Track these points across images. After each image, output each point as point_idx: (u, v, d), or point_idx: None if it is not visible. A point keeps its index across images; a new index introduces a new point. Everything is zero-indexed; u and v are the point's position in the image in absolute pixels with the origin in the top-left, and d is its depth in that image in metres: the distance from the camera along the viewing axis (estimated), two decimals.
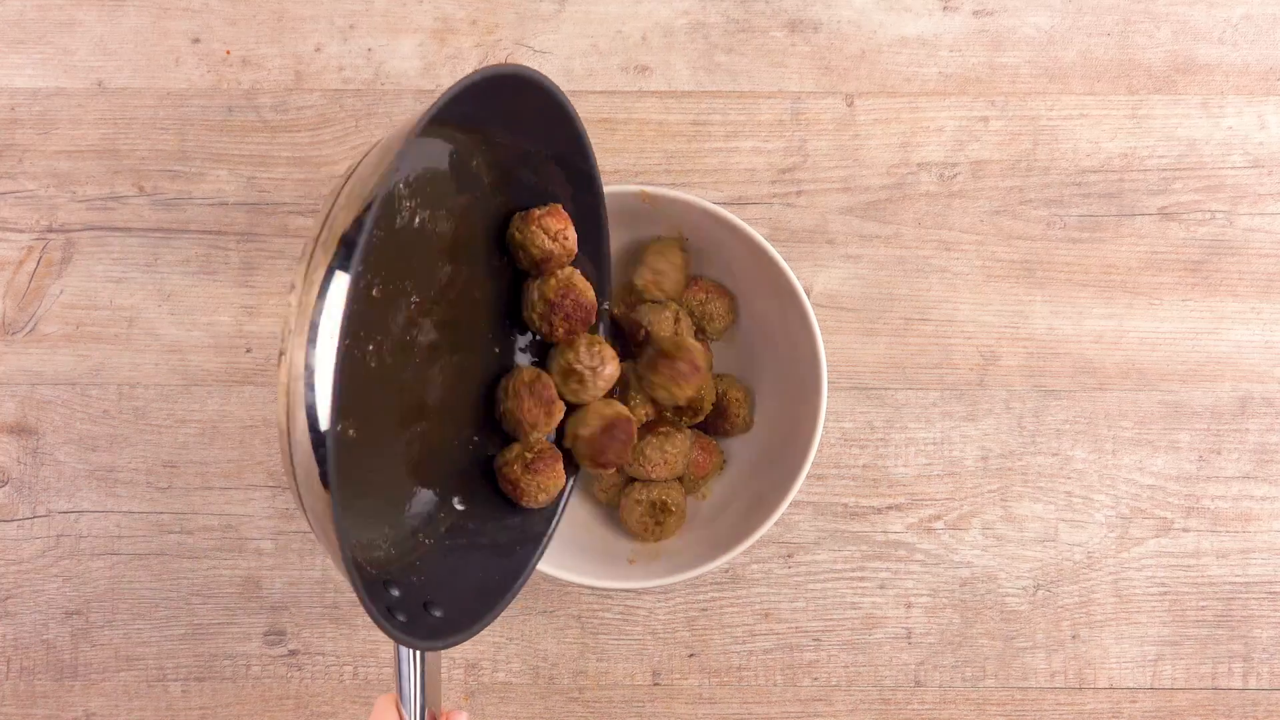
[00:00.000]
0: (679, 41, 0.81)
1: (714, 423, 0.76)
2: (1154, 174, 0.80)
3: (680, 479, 0.75)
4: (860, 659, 0.79)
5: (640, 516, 0.73)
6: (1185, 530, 0.80)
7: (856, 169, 0.80)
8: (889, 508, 0.80)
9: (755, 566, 0.80)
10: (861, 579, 0.80)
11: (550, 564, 0.69)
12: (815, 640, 0.79)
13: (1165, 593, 0.79)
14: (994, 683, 0.79)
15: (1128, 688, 0.79)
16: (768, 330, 0.75)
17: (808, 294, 0.80)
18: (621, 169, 0.80)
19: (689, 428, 0.75)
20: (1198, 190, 0.80)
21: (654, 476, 0.73)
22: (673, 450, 0.72)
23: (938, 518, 0.80)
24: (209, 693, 0.79)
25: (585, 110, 0.80)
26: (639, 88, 0.81)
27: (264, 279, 0.80)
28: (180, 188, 0.80)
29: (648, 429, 0.73)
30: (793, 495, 0.70)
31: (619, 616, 0.79)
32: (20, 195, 0.80)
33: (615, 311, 0.75)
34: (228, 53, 0.80)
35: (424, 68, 0.80)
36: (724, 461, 0.77)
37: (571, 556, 0.71)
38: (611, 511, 0.77)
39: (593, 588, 0.71)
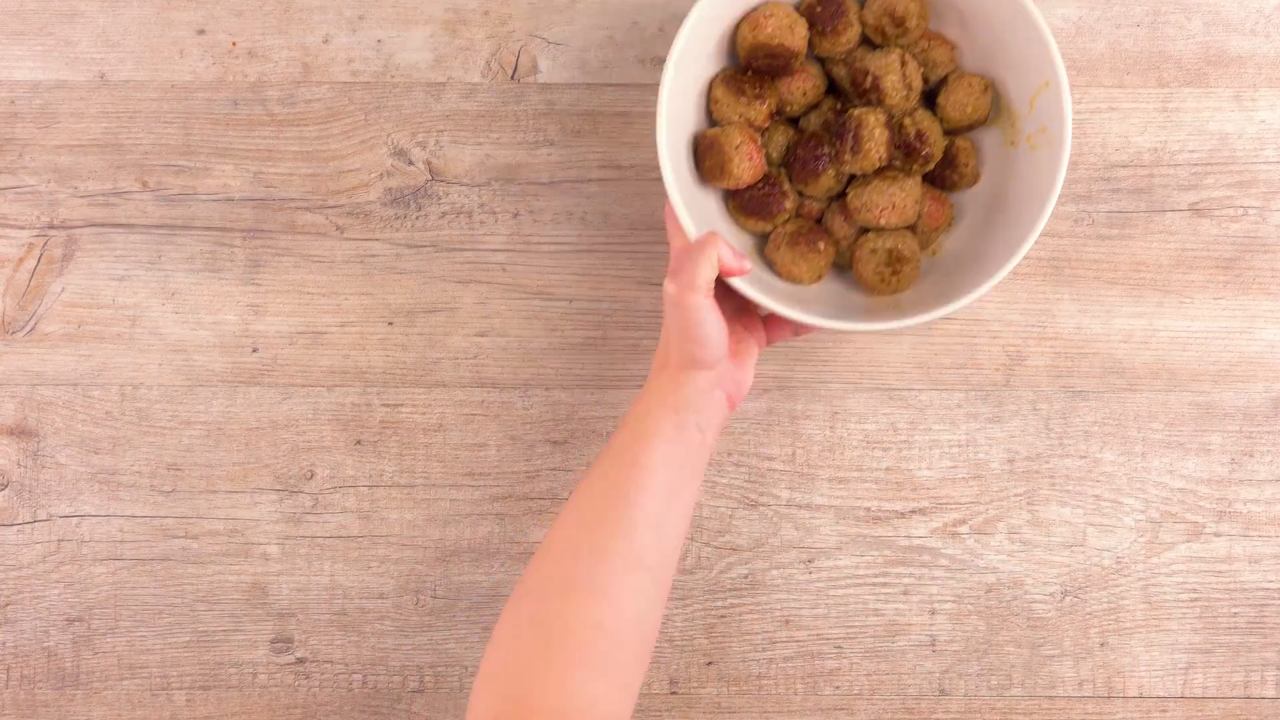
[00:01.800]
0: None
1: (942, 174, 0.74)
2: (1185, 169, 0.79)
3: (912, 229, 0.73)
4: (883, 667, 0.77)
5: (876, 267, 0.72)
6: (1217, 535, 0.78)
7: None
8: (912, 512, 0.78)
9: (775, 573, 0.78)
10: (884, 585, 0.78)
11: (785, 307, 0.67)
12: (837, 648, 0.78)
13: (1196, 599, 0.78)
14: (1020, 691, 0.77)
15: (1158, 696, 0.77)
16: (994, 73, 0.73)
17: None
18: (638, 164, 0.79)
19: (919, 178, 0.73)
20: (1230, 186, 0.78)
21: (883, 223, 0.71)
22: (900, 195, 0.71)
23: (962, 522, 0.78)
24: (214, 702, 0.77)
25: (600, 104, 0.79)
26: (656, 80, 0.78)
27: (270, 277, 0.78)
28: (185, 183, 0.78)
29: (876, 174, 0.72)
30: (1027, 248, 0.67)
31: None
32: (20, 191, 0.78)
33: (835, 70, 0.74)
34: (233, 44, 0.79)
35: (435, 60, 0.79)
36: (953, 217, 0.75)
37: (804, 308, 0.69)
38: (845, 270, 0.75)
39: (835, 330, 0.70)
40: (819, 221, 0.75)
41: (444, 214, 0.78)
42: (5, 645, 0.77)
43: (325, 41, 0.79)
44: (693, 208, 0.69)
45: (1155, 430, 0.78)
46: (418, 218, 0.78)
